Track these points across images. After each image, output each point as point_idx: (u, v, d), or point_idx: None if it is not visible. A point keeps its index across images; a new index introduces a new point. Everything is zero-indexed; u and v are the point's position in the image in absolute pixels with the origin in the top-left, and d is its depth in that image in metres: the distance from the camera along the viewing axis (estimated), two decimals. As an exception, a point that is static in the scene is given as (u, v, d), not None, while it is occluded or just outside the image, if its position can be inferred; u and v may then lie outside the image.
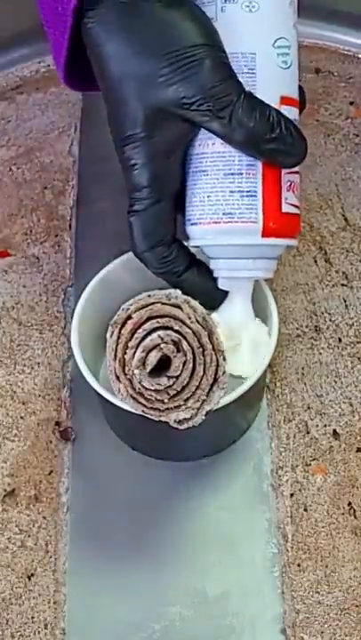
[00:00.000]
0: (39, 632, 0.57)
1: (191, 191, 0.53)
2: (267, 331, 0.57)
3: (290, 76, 0.52)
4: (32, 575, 0.59)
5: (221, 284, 0.55)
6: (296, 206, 0.53)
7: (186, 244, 0.54)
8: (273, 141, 0.50)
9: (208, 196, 0.52)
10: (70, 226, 0.73)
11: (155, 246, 0.53)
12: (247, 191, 0.52)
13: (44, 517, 0.61)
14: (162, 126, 0.50)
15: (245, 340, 0.55)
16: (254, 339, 0.56)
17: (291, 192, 0.53)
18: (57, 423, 0.64)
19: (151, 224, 0.52)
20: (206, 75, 0.48)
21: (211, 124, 0.50)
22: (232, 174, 0.51)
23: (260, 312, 0.58)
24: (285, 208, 0.53)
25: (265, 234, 0.53)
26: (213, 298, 0.55)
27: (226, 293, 0.56)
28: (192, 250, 0.55)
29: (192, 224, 0.53)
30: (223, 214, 0.52)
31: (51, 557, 0.59)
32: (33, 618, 0.58)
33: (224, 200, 0.52)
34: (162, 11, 0.48)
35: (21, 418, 0.65)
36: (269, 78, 0.51)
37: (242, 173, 0.51)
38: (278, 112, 0.50)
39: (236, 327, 0.55)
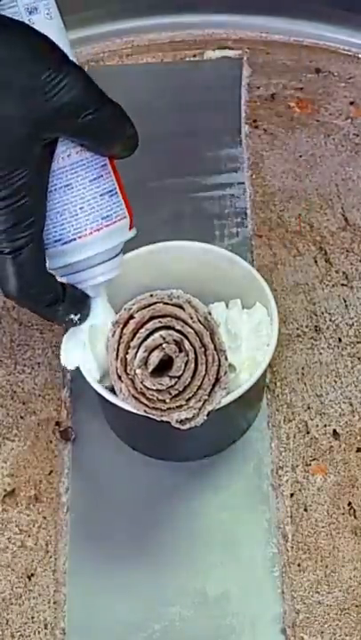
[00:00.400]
0: (39, 632, 0.57)
1: (55, 209, 0.51)
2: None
3: None
4: (32, 575, 0.59)
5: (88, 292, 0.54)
6: None
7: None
8: (129, 138, 0.51)
9: (81, 208, 0.51)
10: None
11: (39, 281, 0.50)
12: (111, 190, 0.52)
13: (44, 517, 0.61)
14: (35, 154, 0.48)
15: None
16: None
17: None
18: (57, 423, 0.64)
19: (35, 261, 0.50)
20: (79, 85, 0.48)
21: (89, 132, 0.49)
22: (95, 179, 0.51)
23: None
24: (126, 197, 0.54)
25: (130, 226, 0.53)
26: (89, 305, 0.55)
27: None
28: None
29: (66, 242, 0.52)
30: (102, 219, 0.52)
31: (51, 557, 0.59)
32: (33, 618, 0.58)
33: (98, 205, 0.51)
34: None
35: (21, 418, 0.64)
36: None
37: (101, 175, 0.52)
38: (123, 110, 0.50)
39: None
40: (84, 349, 0.55)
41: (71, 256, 0.52)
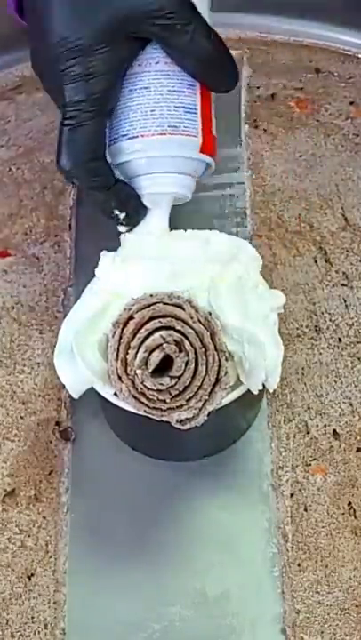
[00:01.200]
0: (39, 632, 0.57)
1: (129, 107, 0.54)
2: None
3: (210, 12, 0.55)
4: (32, 575, 0.59)
5: (144, 201, 0.56)
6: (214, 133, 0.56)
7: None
8: (220, 66, 0.53)
9: (152, 110, 0.53)
10: (70, 226, 0.73)
11: (91, 160, 0.52)
12: (189, 107, 0.54)
13: (44, 517, 0.61)
14: (119, 41, 0.51)
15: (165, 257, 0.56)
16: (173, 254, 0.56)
17: (214, 119, 0.56)
18: (57, 423, 0.64)
19: (91, 139, 0.52)
20: None
21: (173, 39, 0.51)
22: (175, 91, 0.54)
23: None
24: (214, 131, 0.56)
25: (202, 149, 0.55)
26: (139, 211, 0.55)
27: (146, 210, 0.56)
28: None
29: (130, 137, 0.54)
30: (169, 126, 0.53)
31: (51, 557, 0.59)
32: (33, 618, 0.58)
33: (169, 114, 0.53)
34: None
35: (21, 418, 0.64)
36: (204, 12, 0.53)
37: (184, 91, 0.54)
38: (219, 38, 0.52)
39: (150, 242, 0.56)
40: (73, 357, 0.55)
41: (131, 153, 0.54)
